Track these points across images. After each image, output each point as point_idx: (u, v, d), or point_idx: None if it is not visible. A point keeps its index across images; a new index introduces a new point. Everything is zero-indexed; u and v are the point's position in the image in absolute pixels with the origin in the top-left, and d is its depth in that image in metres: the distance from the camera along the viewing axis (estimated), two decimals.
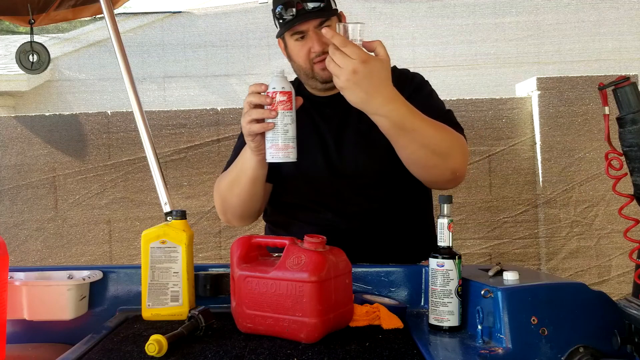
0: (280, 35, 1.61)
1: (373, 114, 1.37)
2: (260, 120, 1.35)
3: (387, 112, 1.36)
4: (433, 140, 1.43)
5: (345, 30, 1.32)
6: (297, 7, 1.52)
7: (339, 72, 1.30)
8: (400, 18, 5.50)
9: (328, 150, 1.65)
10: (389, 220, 1.66)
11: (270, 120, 1.34)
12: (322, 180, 1.65)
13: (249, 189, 1.55)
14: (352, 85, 1.30)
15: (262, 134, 1.37)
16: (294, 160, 1.37)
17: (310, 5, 1.52)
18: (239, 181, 1.56)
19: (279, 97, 1.34)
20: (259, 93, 1.36)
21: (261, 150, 1.40)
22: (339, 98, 1.70)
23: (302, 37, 1.57)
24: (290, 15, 1.53)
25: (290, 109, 1.35)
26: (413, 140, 1.41)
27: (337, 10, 1.60)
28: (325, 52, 1.55)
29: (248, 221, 1.74)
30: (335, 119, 1.67)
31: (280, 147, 1.35)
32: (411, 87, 1.65)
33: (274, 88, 1.34)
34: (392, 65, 1.73)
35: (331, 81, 1.60)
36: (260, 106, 1.35)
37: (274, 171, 1.64)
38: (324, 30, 1.31)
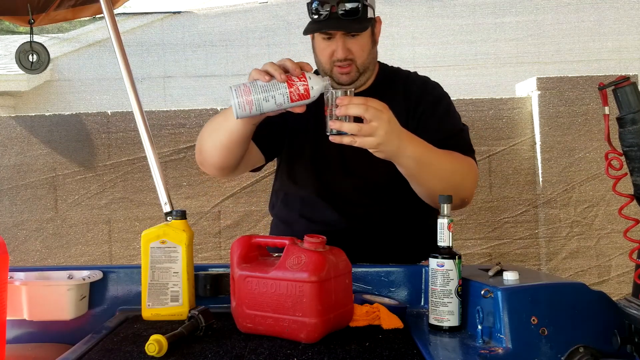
0: (307, 33, 1.58)
1: (401, 157, 1.36)
2: (269, 77, 1.29)
3: (412, 151, 1.37)
4: (448, 172, 1.46)
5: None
6: (332, 9, 1.50)
7: (375, 128, 1.26)
8: (400, 18, 5.50)
9: (344, 154, 1.64)
10: (392, 221, 1.67)
11: (270, 83, 1.28)
12: (334, 178, 1.65)
13: (226, 140, 1.51)
14: (389, 135, 1.29)
15: None
16: (234, 116, 1.31)
17: (347, 6, 1.49)
18: (219, 129, 1.53)
19: (301, 86, 1.29)
20: (300, 67, 1.31)
21: None
22: None
23: (329, 38, 1.56)
24: (323, 15, 1.51)
25: (292, 101, 1.30)
26: (431, 174, 1.43)
27: (372, 18, 1.58)
28: (347, 59, 1.56)
29: (221, 173, 1.69)
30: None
31: (248, 99, 1.28)
32: (430, 99, 1.65)
33: (310, 78, 1.29)
34: (413, 72, 1.75)
35: (346, 84, 1.61)
36: (286, 71, 1.30)
37: (272, 146, 1.65)
38: (338, 100, 1.26)
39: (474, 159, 1.61)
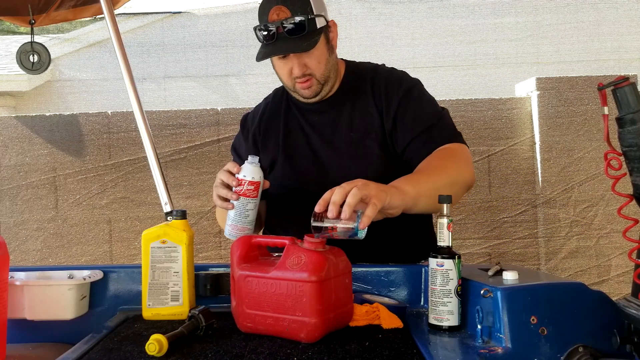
0: (259, 59, 1.55)
1: (408, 200, 1.37)
2: (225, 198, 1.46)
3: (412, 191, 1.38)
4: (445, 182, 1.44)
5: None
6: (278, 30, 1.48)
7: (373, 197, 1.26)
8: (400, 18, 5.51)
9: (319, 161, 1.64)
10: (391, 221, 1.66)
11: (234, 202, 1.45)
12: (315, 190, 1.64)
13: None
14: (379, 190, 1.28)
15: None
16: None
17: (292, 25, 1.47)
18: (223, 220, 1.58)
19: (246, 186, 1.44)
20: (231, 173, 1.44)
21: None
22: (327, 105, 1.69)
23: (284, 57, 1.55)
24: (270, 37, 1.50)
25: (255, 197, 1.46)
26: (430, 198, 1.39)
27: (323, 27, 1.54)
28: (305, 75, 1.55)
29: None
30: (326, 129, 1.66)
31: (239, 227, 1.48)
32: (400, 92, 1.62)
33: (244, 176, 1.44)
34: (380, 65, 1.74)
35: (310, 97, 1.61)
36: (228, 185, 1.44)
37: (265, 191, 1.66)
38: (318, 207, 1.25)
39: (461, 140, 1.58)
